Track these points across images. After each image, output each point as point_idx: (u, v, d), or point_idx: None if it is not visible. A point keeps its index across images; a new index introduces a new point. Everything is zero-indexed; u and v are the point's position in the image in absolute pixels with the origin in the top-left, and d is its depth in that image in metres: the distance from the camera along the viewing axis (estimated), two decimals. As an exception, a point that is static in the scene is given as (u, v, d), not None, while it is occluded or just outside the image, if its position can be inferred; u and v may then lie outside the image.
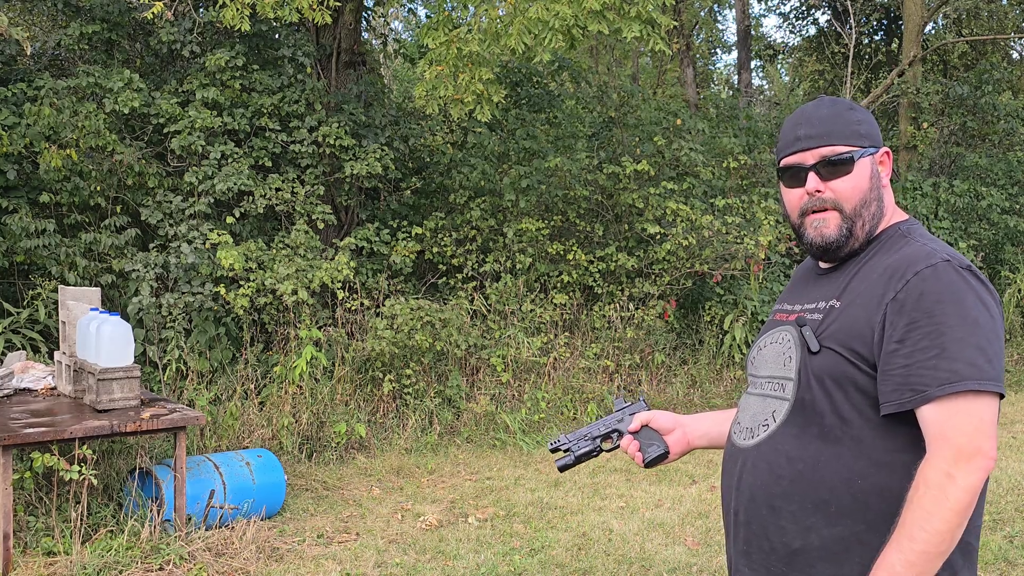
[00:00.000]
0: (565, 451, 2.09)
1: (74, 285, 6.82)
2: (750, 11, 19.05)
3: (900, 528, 1.58)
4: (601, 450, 2.08)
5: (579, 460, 2.06)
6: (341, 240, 7.92)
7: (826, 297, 1.80)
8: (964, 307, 1.61)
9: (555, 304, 8.52)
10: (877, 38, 17.50)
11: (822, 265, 1.90)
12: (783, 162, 1.85)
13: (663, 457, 2.03)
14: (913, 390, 1.59)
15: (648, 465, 2.02)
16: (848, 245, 1.80)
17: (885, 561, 1.58)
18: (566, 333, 8.45)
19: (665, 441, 2.04)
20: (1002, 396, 1.60)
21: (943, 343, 1.59)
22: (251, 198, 7.64)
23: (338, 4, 7.19)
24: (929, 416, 1.59)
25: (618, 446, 2.07)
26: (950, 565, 1.67)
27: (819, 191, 1.80)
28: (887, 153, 1.85)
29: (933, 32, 16.45)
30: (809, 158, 1.80)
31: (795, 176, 1.83)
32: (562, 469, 2.06)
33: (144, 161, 7.44)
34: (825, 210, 1.80)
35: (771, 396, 1.83)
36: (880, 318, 1.66)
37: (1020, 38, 16.90)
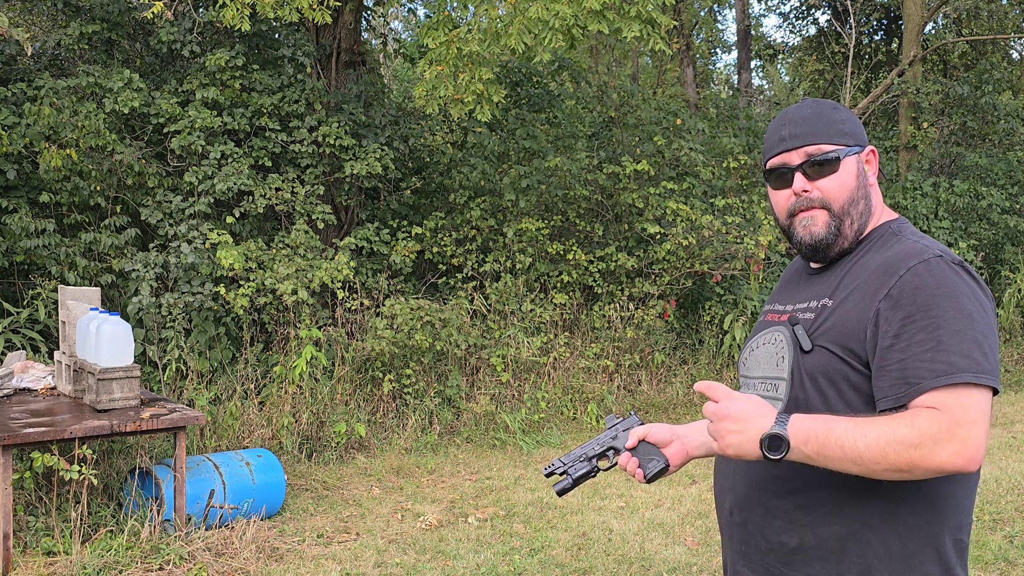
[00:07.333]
0: (561, 474, 2.07)
1: (74, 285, 6.82)
2: (750, 11, 19.05)
3: (865, 420, 1.55)
4: (599, 470, 2.07)
5: (577, 483, 2.04)
6: (341, 240, 7.92)
7: (818, 296, 1.80)
8: (959, 301, 1.60)
9: (555, 304, 8.52)
10: (877, 38, 17.51)
11: (812, 265, 1.90)
12: (769, 164, 1.86)
13: (664, 471, 2.00)
14: (908, 383, 1.57)
15: (649, 480, 2.00)
16: (837, 244, 1.80)
17: (829, 419, 1.57)
18: (566, 333, 8.45)
19: (664, 454, 2.02)
20: (996, 392, 1.57)
21: (939, 336, 1.57)
22: (251, 198, 7.64)
23: (338, 4, 7.19)
24: (926, 401, 1.55)
25: (616, 464, 2.05)
26: (944, 560, 1.67)
27: (806, 191, 1.80)
28: (872, 152, 1.85)
29: (933, 32, 16.45)
30: (795, 158, 1.80)
31: (782, 177, 1.84)
32: (560, 493, 2.04)
33: (144, 161, 7.44)
34: (813, 208, 1.80)
35: (764, 396, 1.81)
36: (873, 315, 1.65)
37: (1020, 38, 16.90)
